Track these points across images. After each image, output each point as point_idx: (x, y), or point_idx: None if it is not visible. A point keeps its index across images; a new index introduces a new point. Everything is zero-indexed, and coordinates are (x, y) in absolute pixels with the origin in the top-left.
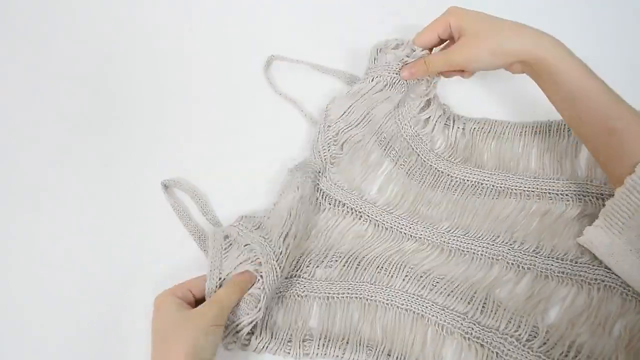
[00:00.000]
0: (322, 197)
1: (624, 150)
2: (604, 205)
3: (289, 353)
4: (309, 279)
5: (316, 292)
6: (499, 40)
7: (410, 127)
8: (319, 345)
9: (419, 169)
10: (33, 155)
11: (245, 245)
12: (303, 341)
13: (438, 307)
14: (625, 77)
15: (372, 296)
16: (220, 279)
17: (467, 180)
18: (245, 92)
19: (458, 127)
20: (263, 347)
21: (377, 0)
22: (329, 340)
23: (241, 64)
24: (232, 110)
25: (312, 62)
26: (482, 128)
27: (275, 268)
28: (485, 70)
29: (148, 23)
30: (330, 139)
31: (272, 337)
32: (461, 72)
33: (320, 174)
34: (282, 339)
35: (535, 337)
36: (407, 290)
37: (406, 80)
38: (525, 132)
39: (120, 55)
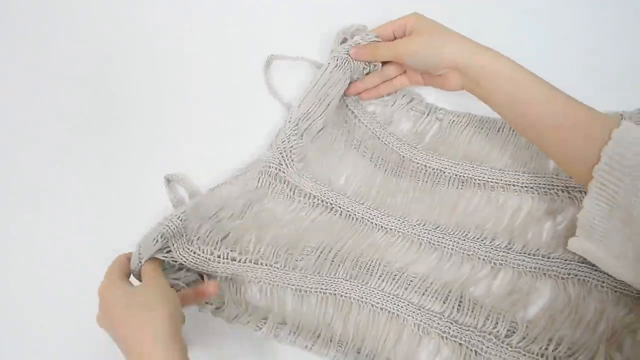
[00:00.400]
0: (291, 191)
1: (578, 149)
2: (569, 197)
3: (260, 329)
4: (281, 269)
5: (289, 283)
6: (443, 43)
7: (363, 109)
8: (290, 332)
9: (381, 154)
10: (33, 155)
11: (161, 235)
12: (278, 322)
13: (414, 306)
14: (625, 77)
15: (347, 293)
16: (140, 261)
17: (429, 166)
18: (245, 92)
19: (435, 118)
20: (236, 315)
21: (377, 1)
22: (301, 329)
23: (241, 64)
24: (232, 110)
25: (312, 59)
26: (461, 121)
27: (186, 247)
28: (422, 69)
29: (148, 23)
30: (291, 129)
31: (247, 310)
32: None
33: (282, 167)
34: (257, 315)
35: (514, 332)
36: (382, 289)
37: (353, 60)
38: (503, 127)
39: (120, 55)
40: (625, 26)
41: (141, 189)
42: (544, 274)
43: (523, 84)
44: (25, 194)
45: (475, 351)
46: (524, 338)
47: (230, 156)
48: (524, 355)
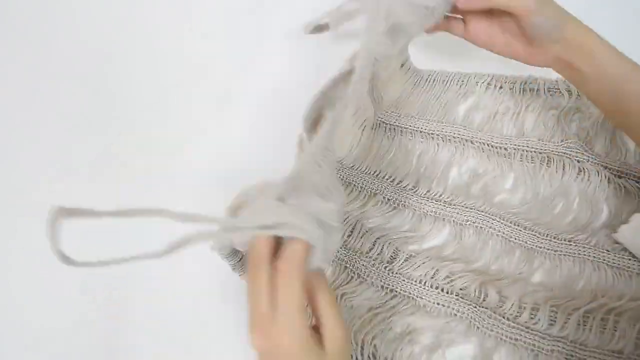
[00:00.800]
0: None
1: None
2: (474, 148)
3: None
4: None
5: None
6: (567, 15)
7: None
8: None
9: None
10: (33, 155)
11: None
12: None
13: None
14: None
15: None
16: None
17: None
18: (245, 92)
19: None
20: None
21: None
22: None
23: (242, 64)
24: (232, 110)
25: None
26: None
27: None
28: (537, 34)
29: (148, 23)
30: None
31: None
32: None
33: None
34: None
35: (395, 258)
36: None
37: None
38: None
39: (120, 55)
40: (625, 26)
41: (141, 189)
42: (443, 218)
43: (625, 69)
44: (25, 194)
45: (358, 274)
46: (406, 264)
47: (231, 156)
48: (404, 280)
